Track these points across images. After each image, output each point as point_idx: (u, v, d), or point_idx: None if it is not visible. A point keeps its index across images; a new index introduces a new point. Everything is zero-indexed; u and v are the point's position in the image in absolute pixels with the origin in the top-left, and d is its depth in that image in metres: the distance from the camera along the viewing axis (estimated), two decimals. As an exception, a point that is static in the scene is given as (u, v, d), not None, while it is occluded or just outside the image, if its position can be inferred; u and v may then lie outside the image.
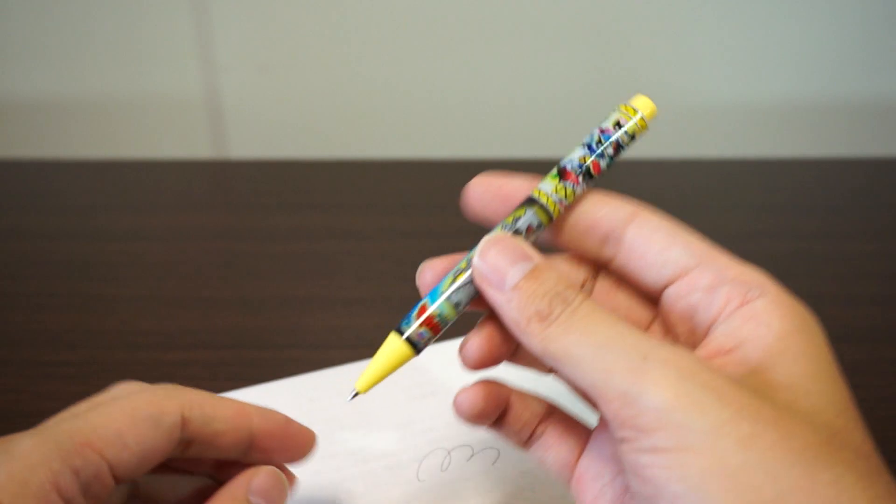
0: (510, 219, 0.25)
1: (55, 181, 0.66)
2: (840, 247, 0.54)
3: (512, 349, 0.26)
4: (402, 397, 0.38)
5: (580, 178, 0.26)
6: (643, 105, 0.26)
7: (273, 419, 0.27)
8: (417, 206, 0.61)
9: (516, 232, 0.25)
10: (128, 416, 0.24)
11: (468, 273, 0.25)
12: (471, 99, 0.75)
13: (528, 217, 0.25)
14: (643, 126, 0.26)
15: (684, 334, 0.25)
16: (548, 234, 0.27)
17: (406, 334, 0.25)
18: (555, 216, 0.26)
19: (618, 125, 0.26)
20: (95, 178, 0.67)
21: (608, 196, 0.26)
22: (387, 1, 0.71)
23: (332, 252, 0.54)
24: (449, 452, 0.35)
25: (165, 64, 0.74)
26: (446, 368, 0.40)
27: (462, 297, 0.25)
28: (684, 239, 0.25)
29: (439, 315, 0.25)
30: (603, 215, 0.26)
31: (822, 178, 0.66)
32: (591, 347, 0.21)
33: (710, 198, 0.62)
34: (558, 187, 0.26)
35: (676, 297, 0.25)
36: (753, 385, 0.21)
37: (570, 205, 0.26)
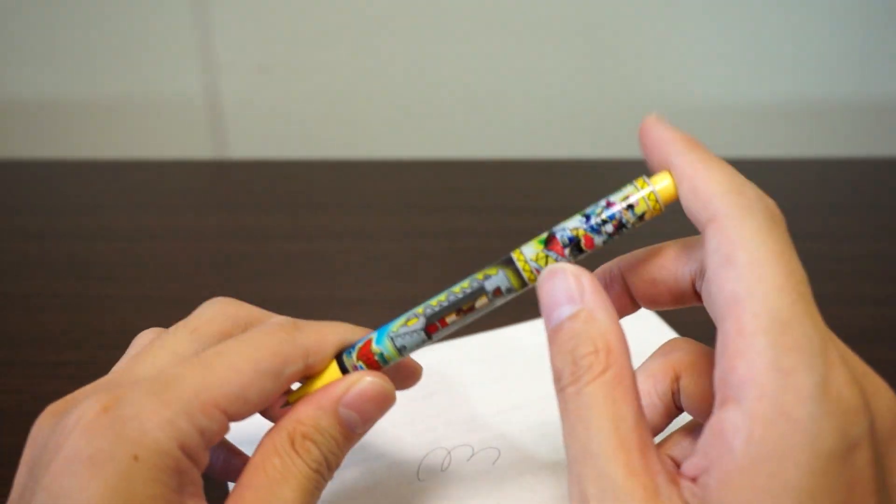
0: (481, 275, 0.24)
1: (55, 181, 0.66)
2: (840, 247, 0.54)
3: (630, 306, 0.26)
4: (402, 397, 0.38)
5: (566, 251, 0.23)
6: (662, 183, 0.23)
7: None
8: (417, 206, 0.61)
9: (482, 292, 0.24)
10: (253, 369, 0.23)
11: (419, 322, 0.25)
12: (471, 99, 0.75)
13: (499, 279, 0.24)
14: (656, 208, 0.23)
15: None
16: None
17: (343, 364, 0.26)
18: (529, 283, 0.24)
19: (625, 200, 0.23)
20: (95, 178, 0.67)
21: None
22: (387, 1, 0.71)
23: (332, 252, 0.54)
24: (449, 452, 0.35)
25: (165, 64, 0.74)
26: (446, 368, 0.40)
27: (408, 342, 0.25)
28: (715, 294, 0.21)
29: (380, 354, 0.25)
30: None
31: (822, 178, 0.66)
32: (568, 452, 0.20)
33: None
34: (540, 255, 0.23)
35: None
36: None
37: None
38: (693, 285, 0.24)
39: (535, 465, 0.34)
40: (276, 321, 0.26)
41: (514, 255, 0.24)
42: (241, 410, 0.23)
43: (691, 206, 0.21)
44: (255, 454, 0.24)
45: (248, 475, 0.23)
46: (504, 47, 0.73)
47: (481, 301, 0.24)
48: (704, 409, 0.24)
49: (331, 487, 0.33)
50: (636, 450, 0.19)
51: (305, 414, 0.24)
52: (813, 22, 0.71)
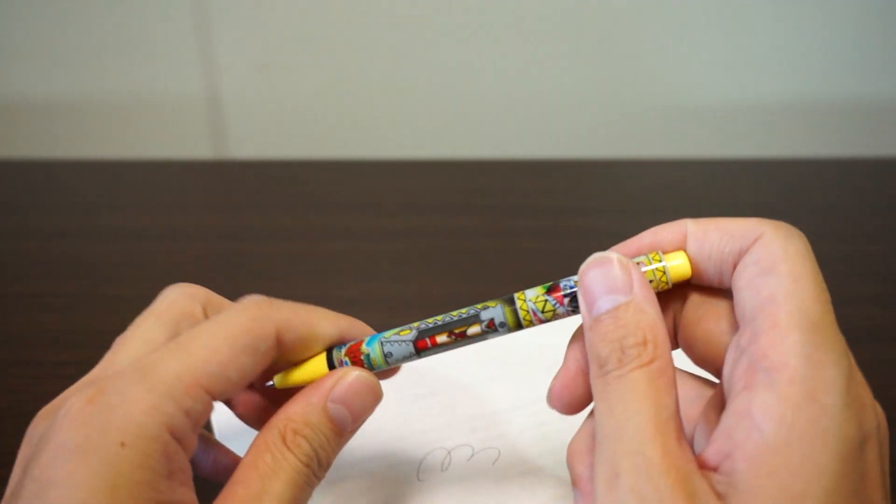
0: (480, 305, 0.25)
1: (55, 181, 0.66)
2: (840, 247, 0.54)
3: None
4: (402, 397, 0.38)
5: (566, 300, 0.24)
6: (675, 261, 0.23)
7: (363, 331, 0.27)
8: (417, 206, 0.61)
9: (476, 320, 0.25)
10: (229, 346, 0.23)
11: (411, 334, 0.25)
12: (471, 99, 0.75)
13: (495, 312, 0.25)
14: (663, 280, 0.23)
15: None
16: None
17: (331, 358, 0.26)
18: (524, 324, 0.25)
19: None
20: (95, 178, 0.67)
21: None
22: (387, 1, 0.71)
23: (333, 252, 0.54)
24: (449, 452, 0.35)
25: (165, 64, 0.74)
26: (446, 368, 0.40)
27: (395, 350, 0.26)
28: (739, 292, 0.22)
29: (366, 356, 0.26)
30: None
31: (821, 178, 0.66)
32: (603, 431, 0.21)
33: (709, 198, 0.62)
34: (539, 299, 0.24)
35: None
36: None
37: (548, 320, 0.24)
38: (674, 331, 0.25)
39: (535, 465, 0.34)
40: (251, 298, 0.26)
41: (516, 296, 0.25)
42: (224, 389, 0.23)
43: (724, 244, 0.23)
44: (247, 453, 0.24)
45: (240, 472, 0.23)
46: (504, 47, 0.73)
47: (474, 329, 0.25)
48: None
49: (331, 487, 0.33)
50: (673, 437, 0.20)
51: (294, 411, 0.25)
52: (812, 21, 0.71)
